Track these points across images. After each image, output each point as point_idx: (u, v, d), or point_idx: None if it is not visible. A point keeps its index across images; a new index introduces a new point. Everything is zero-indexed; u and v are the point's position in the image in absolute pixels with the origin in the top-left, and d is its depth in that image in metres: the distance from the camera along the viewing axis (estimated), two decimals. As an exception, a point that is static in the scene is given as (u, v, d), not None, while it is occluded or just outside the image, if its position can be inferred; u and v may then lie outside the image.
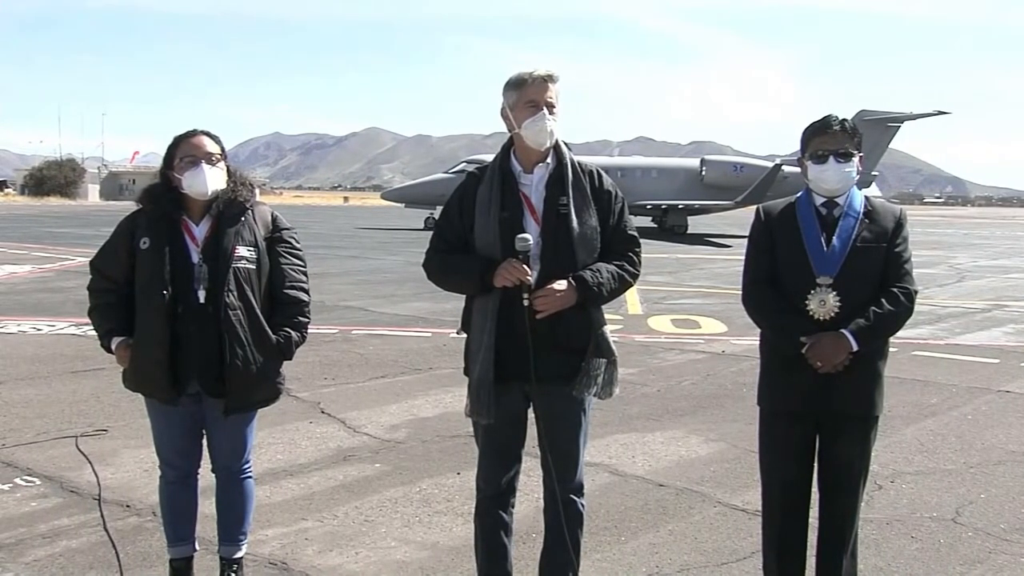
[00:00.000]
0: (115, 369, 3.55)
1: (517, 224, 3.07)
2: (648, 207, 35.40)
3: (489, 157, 4.10)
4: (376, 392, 7.16)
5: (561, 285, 3.02)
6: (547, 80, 3.08)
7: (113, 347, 3.37)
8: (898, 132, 38.48)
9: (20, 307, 11.50)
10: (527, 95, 3.07)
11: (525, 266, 2.98)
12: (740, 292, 3.36)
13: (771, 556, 3.37)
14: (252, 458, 3.63)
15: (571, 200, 3.10)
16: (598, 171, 3.23)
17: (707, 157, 39.59)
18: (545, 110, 3.06)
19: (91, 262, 3.48)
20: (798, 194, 3.29)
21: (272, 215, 3.52)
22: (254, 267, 3.35)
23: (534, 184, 3.15)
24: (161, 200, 3.35)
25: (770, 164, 36.39)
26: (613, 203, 3.19)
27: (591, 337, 3.12)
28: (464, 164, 32.00)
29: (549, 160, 3.17)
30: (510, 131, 3.16)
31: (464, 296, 3.25)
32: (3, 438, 5.64)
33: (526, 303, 3.00)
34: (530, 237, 3.02)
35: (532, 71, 3.08)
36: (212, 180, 3.30)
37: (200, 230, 3.34)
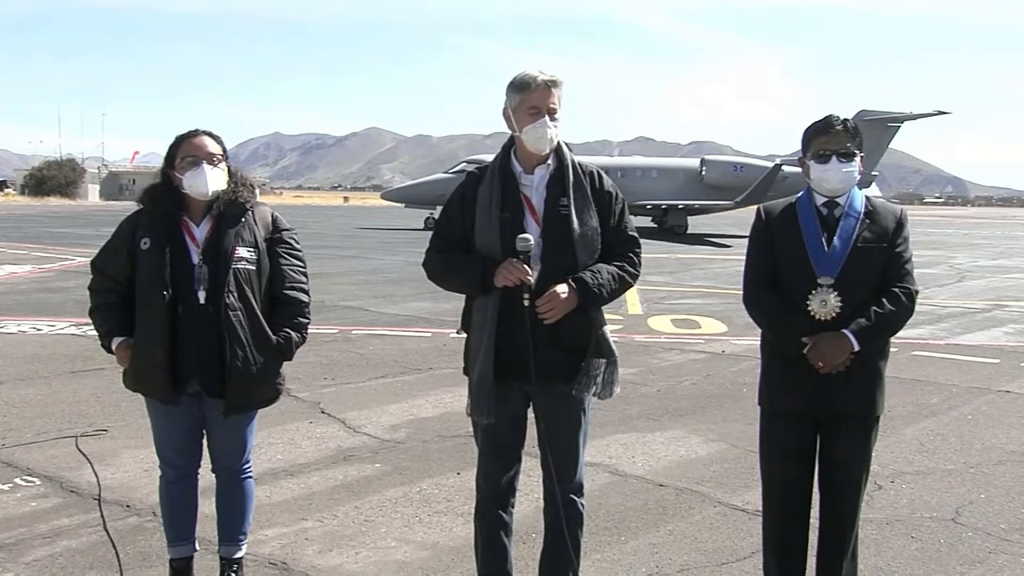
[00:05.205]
0: (115, 369, 3.55)
1: (518, 224, 3.07)
2: (648, 207, 35.39)
3: (489, 157, 4.10)
4: (376, 392, 7.16)
5: (563, 288, 3.02)
6: (550, 85, 3.06)
7: (114, 347, 3.38)
8: (898, 132, 38.52)
9: (20, 307, 11.49)
10: (530, 100, 3.06)
11: (526, 266, 2.99)
12: (740, 292, 3.37)
13: (771, 556, 3.36)
14: (252, 458, 3.63)
15: (571, 201, 3.10)
16: (599, 172, 3.23)
17: (707, 157, 39.58)
18: (547, 117, 3.05)
19: (92, 262, 3.48)
20: (799, 194, 3.28)
21: (272, 216, 3.52)
22: (254, 268, 3.36)
23: (534, 185, 3.15)
24: (162, 200, 3.35)
25: (770, 164, 36.38)
26: (613, 204, 3.19)
27: (591, 337, 3.12)
28: (464, 164, 31.98)
29: (550, 161, 3.17)
30: (511, 132, 3.16)
31: (464, 296, 3.25)
32: (3, 438, 5.64)
33: (526, 303, 3.00)
34: (531, 237, 3.02)
35: (536, 75, 3.05)
36: (213, 181, 3.31)
37: (200, 231, 3.34)
